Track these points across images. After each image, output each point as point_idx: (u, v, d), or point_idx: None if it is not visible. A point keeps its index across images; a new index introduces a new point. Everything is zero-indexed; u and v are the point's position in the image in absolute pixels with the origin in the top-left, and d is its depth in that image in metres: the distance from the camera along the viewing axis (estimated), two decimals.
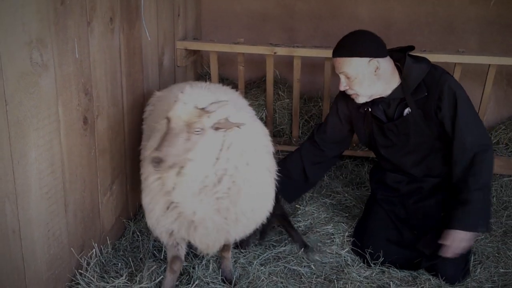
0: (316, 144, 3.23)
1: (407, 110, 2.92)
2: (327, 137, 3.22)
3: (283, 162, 3.18)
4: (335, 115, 3.19)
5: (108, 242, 2.95)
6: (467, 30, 4.42)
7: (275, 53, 3.96)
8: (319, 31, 4.65)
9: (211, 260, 2.89)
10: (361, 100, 2.93)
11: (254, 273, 2.85)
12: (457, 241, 2.72)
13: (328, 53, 3.91)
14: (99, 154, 2.78)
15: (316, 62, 4.35)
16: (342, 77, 2.87)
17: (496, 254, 3.12)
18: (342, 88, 2.90)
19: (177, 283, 2.72)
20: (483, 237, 3.27)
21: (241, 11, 4.71)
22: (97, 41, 2.63)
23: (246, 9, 4.70)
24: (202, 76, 4.74)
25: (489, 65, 3.84)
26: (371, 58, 2.79)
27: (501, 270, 2.96)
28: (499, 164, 4.07)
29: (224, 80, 4.72)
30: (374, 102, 2.97)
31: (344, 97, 3.08)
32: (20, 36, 2.01)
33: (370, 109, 3.00)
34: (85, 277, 2.65)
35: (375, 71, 2.82)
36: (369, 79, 2.84)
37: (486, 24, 4.39)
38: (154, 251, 3.03)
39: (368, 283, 2.79)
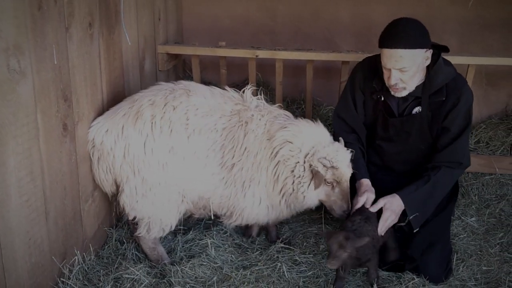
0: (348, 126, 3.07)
1: (417, 109, 2.90)
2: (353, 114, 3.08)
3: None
4: (352, 89, 3.07)
5: (91, 249, 2.92)
6: (447, 31, 4.47)
7: (257, 56, 3.97)
8: (301, 34, 4.67)
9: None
10: (404, 93, 2.82)
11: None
12: (394, 205, 2.75)
13: (310, 55, 3.95)
14: (80, 160, 2.75)
15: (298, 64, 4.36)
16: (396, 71, 2.71)
17: (479, 252, 3.14)
18: (393, 82, 2.74)
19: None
20: (465, 235, 3.30)
21: (222, 15, 4.71)
22: (76, 47, 2.61)
23: (227, 13, 4.70)
24: (184, 80, 4.71)
25: (469, 65, 3.88)
26: (427, 49, 2.72)
27: (484, 268, 2.99)
28: (480, 163, 4.13)
29: (207, 83, 4.70)
30: (390, 93, 2.89)
31: (363, 72, 3.01)
32: None
33: (383, 98, 2.94)
34: (67, 285, 2.61)
35: (425, 62, 2.75)
36: (420, 71, 2.76)
37: (465, 25, 4.45)
38: (137, 259, 3.01)
39: (355, 281, 2.81)
